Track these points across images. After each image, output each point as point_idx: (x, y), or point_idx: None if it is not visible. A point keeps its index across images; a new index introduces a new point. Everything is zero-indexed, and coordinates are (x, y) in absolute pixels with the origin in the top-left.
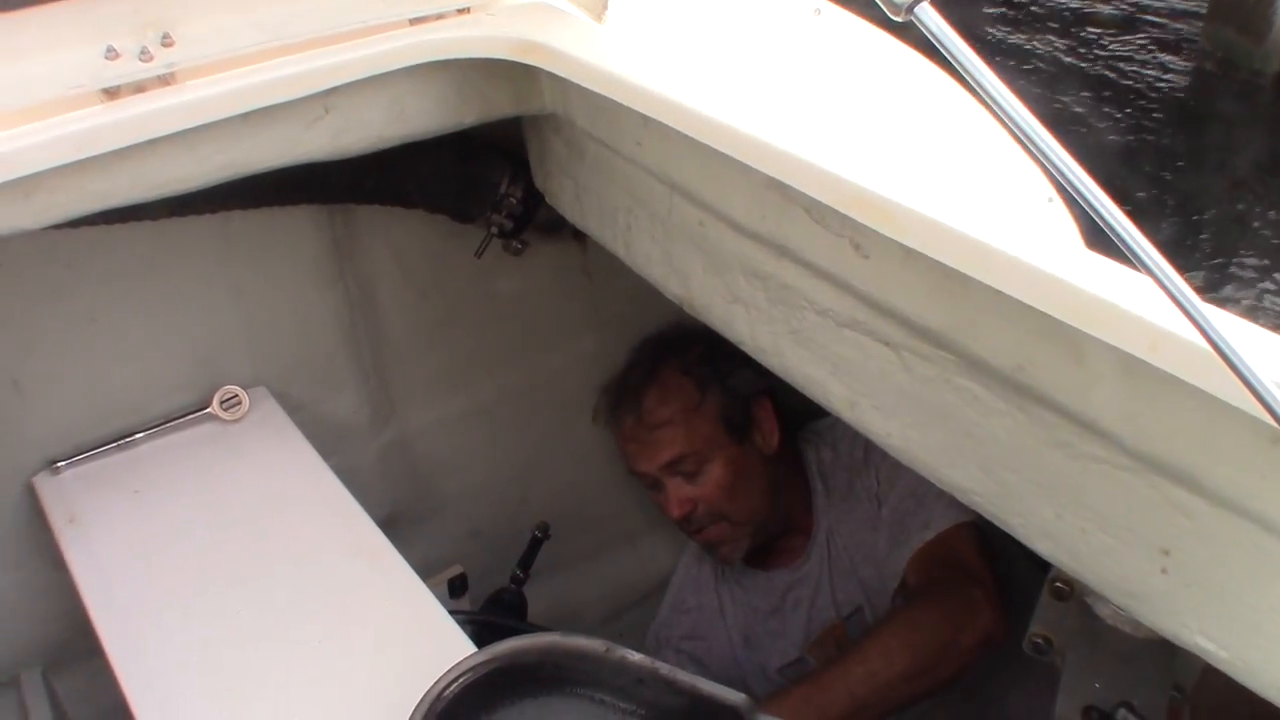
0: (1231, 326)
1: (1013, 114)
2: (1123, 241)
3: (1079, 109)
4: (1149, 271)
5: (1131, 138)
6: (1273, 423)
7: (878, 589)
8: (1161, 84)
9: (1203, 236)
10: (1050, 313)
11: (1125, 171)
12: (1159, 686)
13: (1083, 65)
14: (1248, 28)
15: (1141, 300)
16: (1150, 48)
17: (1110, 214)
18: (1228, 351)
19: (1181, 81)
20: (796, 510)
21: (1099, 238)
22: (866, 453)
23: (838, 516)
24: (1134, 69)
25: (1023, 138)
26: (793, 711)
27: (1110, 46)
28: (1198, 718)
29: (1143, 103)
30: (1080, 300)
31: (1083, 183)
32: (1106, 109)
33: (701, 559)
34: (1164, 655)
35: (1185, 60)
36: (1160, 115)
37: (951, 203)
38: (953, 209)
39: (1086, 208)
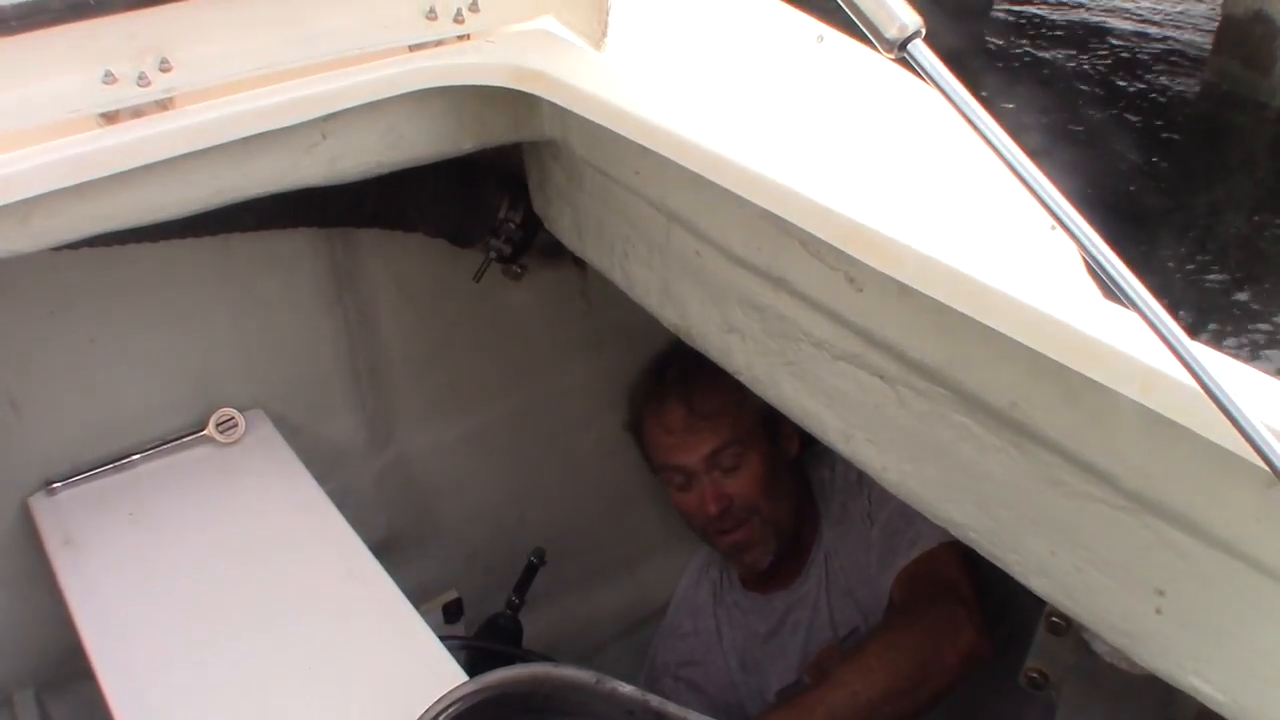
0: (1223, 368)
1: (1004, 151)
2: (1112, 280)
3: (1085, 133)
4: (1139, 310)
5: (1135, 168)
6: (1264, 466)
7: (873, 609)
8: (1167, 115)
9: (1210, 265)
10: (1042, 351)
11: (1128, 201)
12: None
13: (1089, 93)
14: (1253, 62)
15: (1134, 341)
16: (1158, 79)
17: (1101, 253)
18: (1219, 394)
19: (1187, 113)
20: (805, 526)
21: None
22: (860, 474)
23: (834, 538)
24: (1139, 100)
25: (1014, 173)
26: None
27: (1117, 77)
28: None
29: (1148, 133)
30: (1073, 339)
31: (1071, 219)
32: (1111, 138)
33: (699, 583)
34: (1160, 693)
35: (1191, 93)
36: (1165, 146)
37: (946, 237)
38: (946, 243)
39: (1076, 244)
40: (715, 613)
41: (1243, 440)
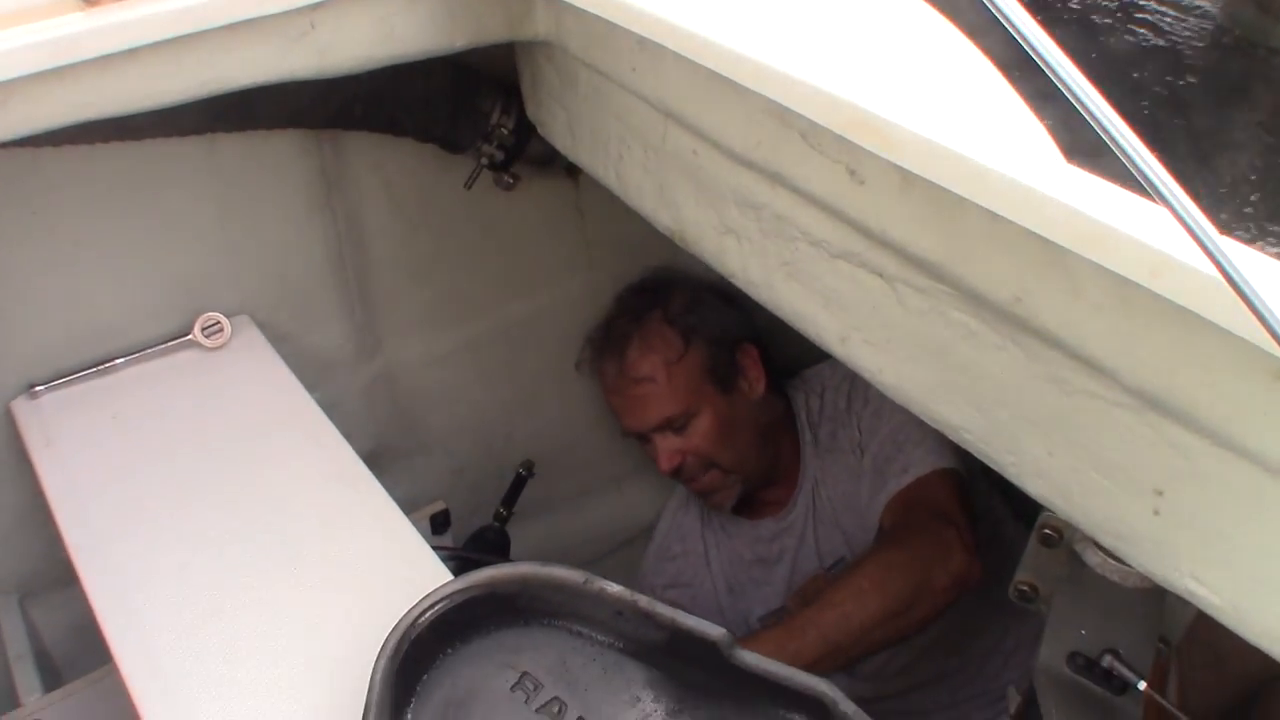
0: (1234, 250)
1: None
2: (1124, 153)
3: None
4: (1151, 186)
5: (1143, 112)
6: (1275, 354)
7: (861, 539)
8: (1176, 59)
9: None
10: (1049, 236)
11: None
12: (1146, 637)
13: (1097, 34)
14: (1268, 6)
15: (1144, 224)
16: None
17: (1109, 120)
18: (1231, 271)
19: (1198, 57)
20: (785, 457)
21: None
22: (849, 402)
23: (822, 467)
24: (1148, 46)
25: (1020, 38)
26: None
27: (1125, 20)
28: (1183, 674)
29: (1156, 76)
30: (1080, 223)
31: (1085, 93)
32: (1119, 80)
33: (688, 506)
34: (1152, 605)
35: (1202, 37)
36: (1174, 91)
37: (951, 126)
38: (952, 132)
39: (1085, 114)
40: (704, 535)
41: (1257, 323)
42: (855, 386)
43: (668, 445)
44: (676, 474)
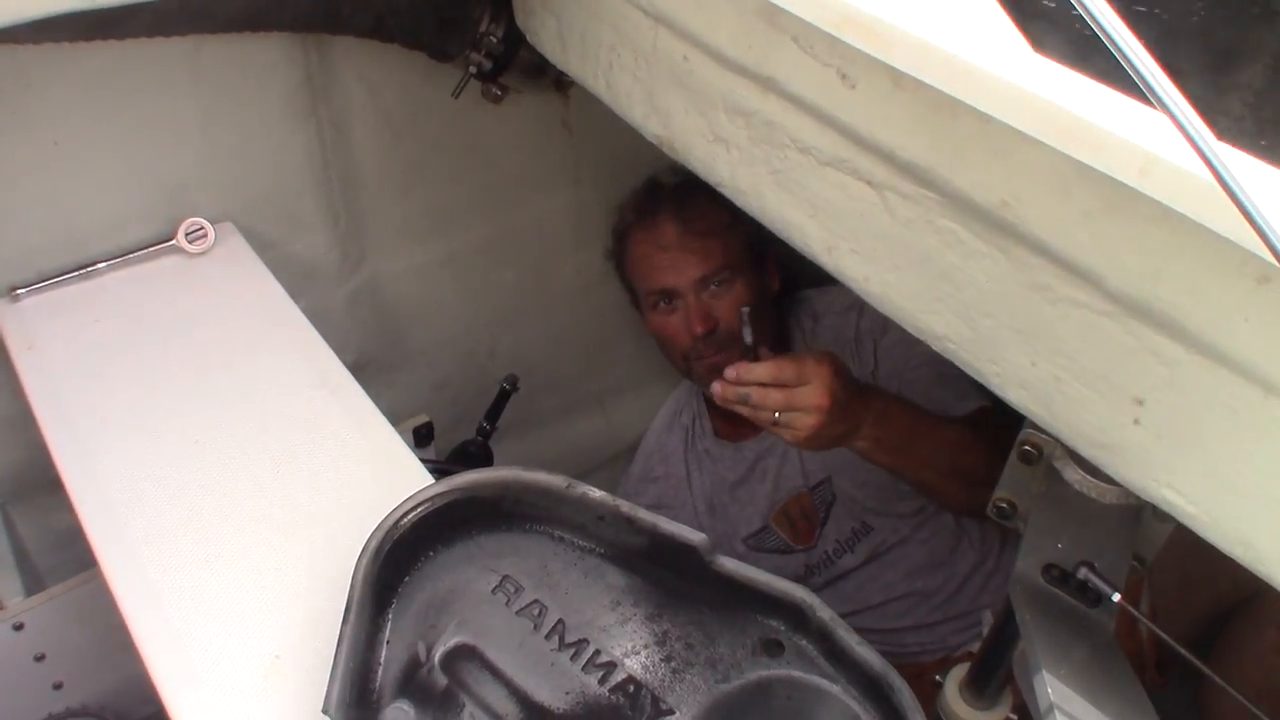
0: (1229, 154)
1: None
2: (1115, 46)
3: None
4: (1144, 84)
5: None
6: (1267, 256)
7: (849, 461)
8: None
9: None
10: (1038, 136)
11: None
12: (1121, 552)
13: None
14: None
15: (1134, 124)
16: None
17: (1103, 16)
18: (1225, 175)
19: None
20: None
21: None
22: (857, 332)
23: None
24: None
25: None
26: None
27: None
28: (1153, 599)
29: None
30: (1070, 122)
31: None
32: None
33: (671, 428)
34: (1128, 522)
35: None
36: None
37: (942, 26)
38: (944, 31)
39: (1080, 9)
40: (686, 458)
41: (1244, 224)
42: (865, 315)
43: (703, 308)
44: (702, 342)
